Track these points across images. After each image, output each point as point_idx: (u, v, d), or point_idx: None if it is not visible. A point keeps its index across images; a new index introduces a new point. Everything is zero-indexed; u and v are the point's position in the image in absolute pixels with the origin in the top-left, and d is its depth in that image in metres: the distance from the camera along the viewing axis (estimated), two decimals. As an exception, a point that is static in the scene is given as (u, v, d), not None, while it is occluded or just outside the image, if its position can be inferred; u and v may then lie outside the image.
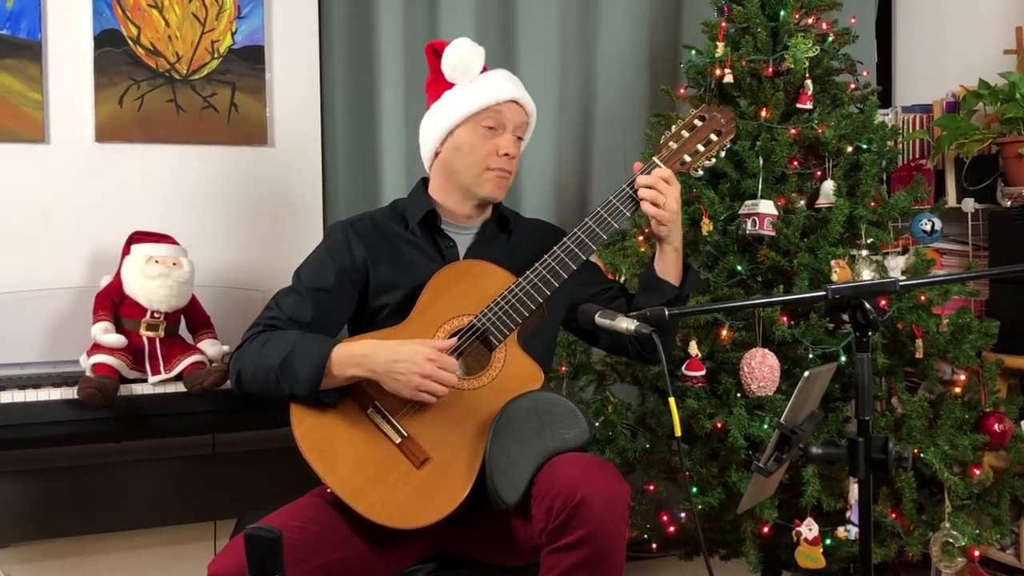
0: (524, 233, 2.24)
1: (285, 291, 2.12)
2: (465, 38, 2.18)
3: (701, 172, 2.16)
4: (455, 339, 2.01)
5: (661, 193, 2.04)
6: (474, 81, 2.14)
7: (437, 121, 2.16)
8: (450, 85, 2.16)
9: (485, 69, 2.18)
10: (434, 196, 2.19)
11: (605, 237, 2.06)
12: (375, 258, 2.12)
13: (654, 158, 2.09)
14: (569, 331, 2.34)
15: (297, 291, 2.10)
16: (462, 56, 2.14)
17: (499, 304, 2.01)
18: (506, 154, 2.12)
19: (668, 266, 2.13)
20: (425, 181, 2.24)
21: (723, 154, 2.18)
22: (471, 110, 2.12)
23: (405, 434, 1.96)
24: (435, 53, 2.20)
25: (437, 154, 2.18)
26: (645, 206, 2.04)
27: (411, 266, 2.12)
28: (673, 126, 2.15)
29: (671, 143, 2.12)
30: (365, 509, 1.90)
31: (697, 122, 2.14)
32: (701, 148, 2.12)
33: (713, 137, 2.13)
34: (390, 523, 1.89)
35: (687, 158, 2.12)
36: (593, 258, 2.22)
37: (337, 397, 1.99)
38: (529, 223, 2.31)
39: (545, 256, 2.04)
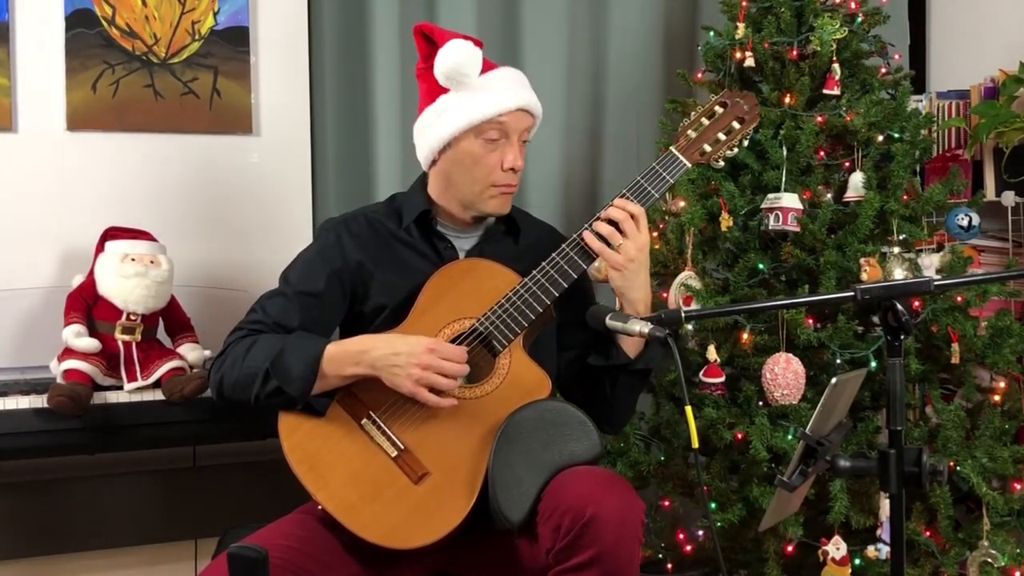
0: (533, 237, 2.22)
1: (271, 294, 2.12)
2: (458, 40, 2.06)
3: (722, 163, 2.17)
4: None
5: (623, 232, 2.00)
6: (473, 87, 2.07)
7: (433, 129, 2.10)
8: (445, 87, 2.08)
9: (487, 65, 2.09)
10: (432, 196, 2.17)
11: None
12: (370, 260, 2.12)
13: (671, 148, 2.10)
14: None
15: (284, 294, 2.10)
16: (457, 63, 2.04)
17: (503, 306, 2.01)
18: (512, 168, 2.09)
19: None
20: (426, 176, 2.21)
21: (745, 143, 2.18)
22: (472, 122, 2.06)
23: (402, 447, 1.96)
24: (425, 38, 2.12)
25: (435, 161, 2.14)
26: (594, 244, 2.00)
27: (407, 267, 2.12)
28: (692, 113, 2.15)
29: (690, 131, 2.12)
30: (359, 528, 1.90)
31: (718, 108, 2.14)
32: (722, 137, 2.12)
33: (736, 125, 2.13)
34: (385, 543, 1.90)
35: (707, 148, 2.12)
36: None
37: (328, 404, 1.99)
38: (539, 226, 2.29)
39: (553, 255, 2.04)
